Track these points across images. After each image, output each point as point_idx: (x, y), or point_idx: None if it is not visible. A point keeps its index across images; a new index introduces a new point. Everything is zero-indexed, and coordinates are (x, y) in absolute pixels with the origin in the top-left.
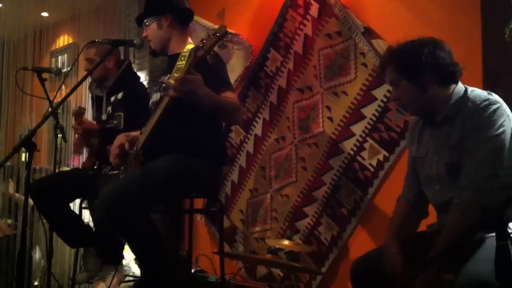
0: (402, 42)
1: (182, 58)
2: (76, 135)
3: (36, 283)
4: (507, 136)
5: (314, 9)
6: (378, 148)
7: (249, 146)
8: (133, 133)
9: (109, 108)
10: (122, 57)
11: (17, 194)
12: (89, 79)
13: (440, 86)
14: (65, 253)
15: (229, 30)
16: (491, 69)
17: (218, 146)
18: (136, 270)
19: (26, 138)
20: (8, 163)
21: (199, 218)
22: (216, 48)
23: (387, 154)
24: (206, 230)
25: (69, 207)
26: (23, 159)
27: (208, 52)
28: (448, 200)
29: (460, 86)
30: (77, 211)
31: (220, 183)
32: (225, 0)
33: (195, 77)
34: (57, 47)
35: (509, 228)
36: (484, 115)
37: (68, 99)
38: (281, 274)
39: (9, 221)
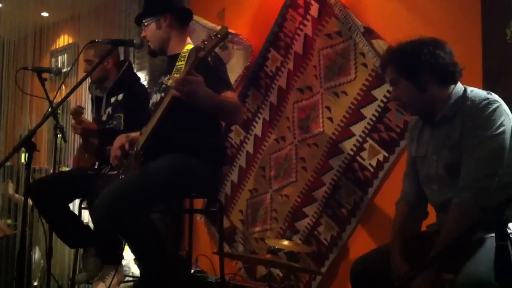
0: (402, 42)
1: (182, 59)
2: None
3: (35, 283)
4: (507, 136)
5: (314, 9)
6: (378, 148)
7: (249, 146)
8: (133, 134)
9: (109, 109)
10: (122, 58)
11: (16, 195)
12: (88, 80)
13: (439, 86)
14: (64, 253)
15: (230, 31)
16: (491, 69)
17: (218, 146)
18: (135, 270)
19: (26, 138)
20: (8, 163)
21: (199, 218)
22: (217, 49)
23: (387, 155)
24: (206, 230)
25: (69, 207)
26: (22, 160)
27: (210, 53)
28: (448, 200)
29: (459, 86)
30: (76, 212)
31: (220, 183)
32: (225, 0)
33: (196, 78)
34: (57, 47)
35: (509, 228)
36: (483, 114)
37: (68, 99)
38: (281, 274)
39: (9, 221)
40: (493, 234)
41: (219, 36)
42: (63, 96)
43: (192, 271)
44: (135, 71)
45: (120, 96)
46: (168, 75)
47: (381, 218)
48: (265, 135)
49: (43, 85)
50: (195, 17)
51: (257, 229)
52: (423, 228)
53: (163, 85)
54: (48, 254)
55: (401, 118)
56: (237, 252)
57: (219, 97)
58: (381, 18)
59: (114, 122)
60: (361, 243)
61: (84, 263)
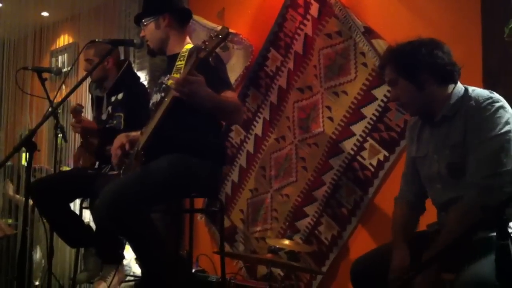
0: (401, 42)
1: (181, 58)
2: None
3: (36, 283)
4: None
5: (314, 9)
6: (378, 148)
7: (249, 146)
8: (134, 133)
9: (109, 108)
10: (122, 57)
11: (17, 196)
12: (88, 80)
13: (438, 85)
14: (65, 253)
15: (230, 31)
16: (491, 68)
17: (218, 146)
18: (136, 270)
19: (26, 138)
20: (8, 163)
21: (200, 218)
22: (217, 50)
23: (387, 154)
24: (207, 230)
25: (69, 207)
26: (23, 161)
27: (210, 53)
28: (449, 200)
29: (460, 86)
30: (77, 211)
31: (220, 183)
32: (225, 0)
33: (197, 78)
34: (57, 47)
35: (510, 227)
36: (487, 113)
37: (68, 99)
38: (282, 274)
39: (10, 221)
40: (494, 234)
41: (220, 36)
42: (63, 96)
43: (193, 270)
44: (135, 70)
45: (120, 96)
46: (168, 75)
47: (382, 218)
48: (266, 134)
49: (43, 85)
50: (195, 17)
51: (258, 228)
52: (423, 227)
53: (163, 85)
54: (49, 253)
55: (401, 118)
56: (237, 251)
57: (220, 97)
58: (381, 18)
59: (114, 122)
60: (361, 243)
61: (85, 263)
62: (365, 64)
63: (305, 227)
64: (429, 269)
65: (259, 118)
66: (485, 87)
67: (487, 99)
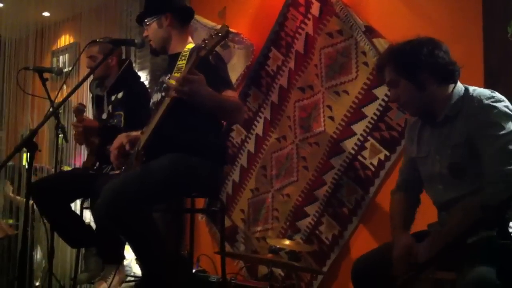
0: (400, 42)
1: (183, 58)
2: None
3: (37, 284)
4: None
5: (315, 8)
6: (379, 147)
7: (250, 146)
8: (134, 133)
9: (109, 108)
10: (123, 56)
11: (18, 197)
12: (89, 79)
13: (439, 85)
14: (66, 253)
15: (231, 30)
16: (492, 68)
17: (218, 145)
18: (137, 270)
19: (28, 138)
20: (9, 163)
21: (200, 218)
22: (218, 48)
23: (388, 153)
24: (207, 229)
25: (70, 207)
26: (24, 162)
27: (211, 52)
28: (451, 200)
29: (460, 86)
30: (78, 212)
31: (221, 183)
32: None
33: (197, 77)
34: (58, 47)
35: (510, 227)
36: (493, 112)
37: (69, 99)
38: (282, 274)
39: (11, 221)
40: (495, 233)
41: (220, 35)
42: (64, 96)
43: (194, 271)
44: (136, 70)
45: (120, 95)
46: (169, 74)
47: (383, 217)
48: (266, 134)
49: (44, 85)
50: (196, 16)
51: (259, 228)
52: (424, 227)
53: (164, 85)
54: (50, 254)
55: (402, 117)
56: (238, 251)
57: (220, 96)
58: (382, 17)
59: (115, 121)
60: (362, 242)
61: (86, 263)
62: (366, 63)
63: (306, 227)
64: (430, 269)
65: (260, 117)
66: (486, 87)
67: (490, 97)
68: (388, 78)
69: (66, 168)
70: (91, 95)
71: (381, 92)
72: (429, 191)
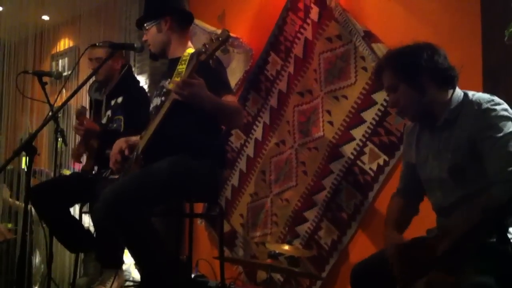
0: (397, 48)
1: (183, 62)
2: (77, 142)
3: None
4: None
5: (314, 13)
6: (378, 152)
7: (249, 150)
8: (133, 138)
9: (109, 112)
10: None
11: (17, 202)
12: (89, 83)
13: (439, 89)
14: (65, 257)
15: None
16: (491, 69)
17: (218, 149)
18: (136, 275)
19: (27, 142)
20: (8, 167)
21: (199, 223)
22: (218, 53)
23: (387, 159)
24: (206, 234)
25: (69, 211)
26: (23, 165)
27: (211, 56)
28: (450, 205)
29: (459, 91)
30: (77, 216)
31: (220, 186)
32: (225, 3)
33: (197, 81)
34: (57, 51)
35: (509, 233)
36: (494, 114)
37: (68, 102)
38: (281, 279)
39: (10, 225)
40: (494, 240)
41: (220, 39)
42: (63, 99)
43: (193, 275)
44: (135, 74)
45: (120, 99)
46: (169, 79)
47: (382, 222)
48: (266, 139)
49: (43, 88)
50: (196, 21)
51: (258, 233)
52: (423, 233)
53: (164, 89)
54: (49, 258)
55: (401, 122)
56: (237, 256)
57: (220, 100)
58: (381, 22)
59: (114, 125)
60: (361, 248)
61: (84, 268)
62: (365, 68)
63: (305, 232)
64: (431, 272)
65: (259, 122)
66: (484, 88)
67: (489, 101)
68: (387, 82)
69: (66, 171)
70: (89, 99)
71: (380, 97)
72: (430, 197)
